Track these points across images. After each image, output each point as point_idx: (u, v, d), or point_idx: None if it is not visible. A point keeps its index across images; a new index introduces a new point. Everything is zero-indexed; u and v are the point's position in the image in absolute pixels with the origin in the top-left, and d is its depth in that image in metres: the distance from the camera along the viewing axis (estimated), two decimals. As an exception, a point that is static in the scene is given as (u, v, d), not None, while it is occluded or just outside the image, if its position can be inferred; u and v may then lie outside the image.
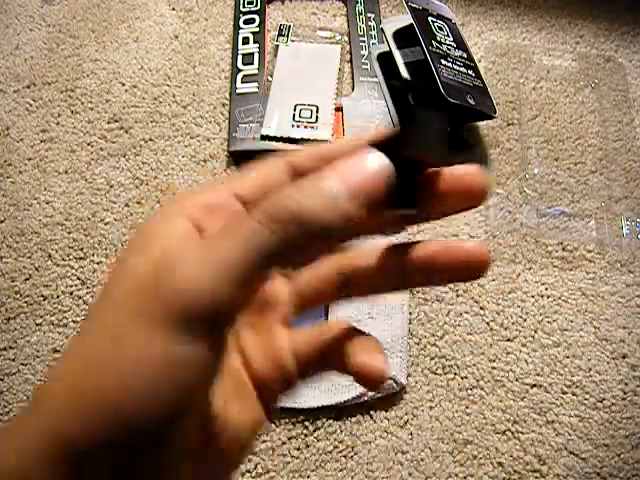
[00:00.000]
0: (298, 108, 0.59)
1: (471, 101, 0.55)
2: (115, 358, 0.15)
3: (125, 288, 0.16)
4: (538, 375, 0.50)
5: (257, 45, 0.64)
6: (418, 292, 0.53)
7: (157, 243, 0.17)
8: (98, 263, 0.54)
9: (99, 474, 0.15)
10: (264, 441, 0.47)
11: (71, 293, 0.53)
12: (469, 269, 0.19)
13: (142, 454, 0.16)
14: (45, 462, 0.15)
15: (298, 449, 0.47)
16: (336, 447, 0.48)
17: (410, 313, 0.52)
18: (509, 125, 0.61)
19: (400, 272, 0.20)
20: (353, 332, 0.20)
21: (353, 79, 0.63)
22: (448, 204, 0.19)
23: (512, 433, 0.48)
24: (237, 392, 0.20)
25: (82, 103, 0.62)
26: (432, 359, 0.50)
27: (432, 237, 0.55)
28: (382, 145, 0.17)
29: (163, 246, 0.17)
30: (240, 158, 0.58)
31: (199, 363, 0.16)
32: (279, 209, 0.15)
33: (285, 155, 0.20)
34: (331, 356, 0.20)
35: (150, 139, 0.60)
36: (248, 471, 0.47)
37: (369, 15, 0.66)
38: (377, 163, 0.16)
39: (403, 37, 0.61)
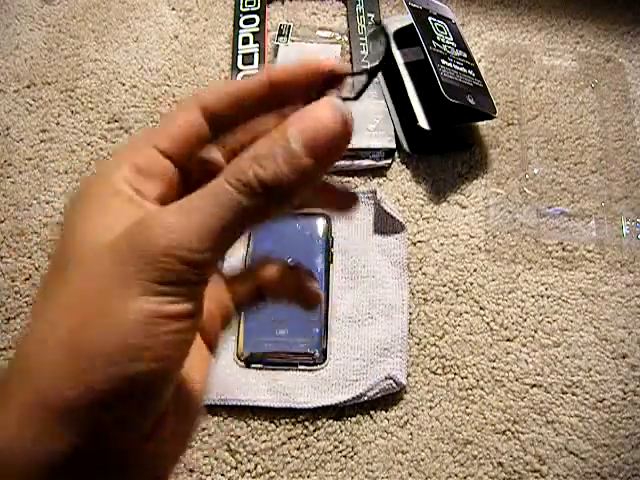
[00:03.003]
0: (298, 108, 0.59)
1: (471, 101, 0.55)
2: (106, 322, 0.16)
3: (93, 255, 0.17)
4: (538, 375, 0.50)
5: (257, 45, 0.64)
6: (418, 292, 0.53)
7: (107, 210, 0.18)
8: (98, 263, 0.54)
9: (91, 431, 0.16)
10: (264, 441, 0.47)
11: (71, 293, 0.53)
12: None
13: (135, 409, 0.16)
14: (34, 426, 0.15)
15: (298, 449, 0.47)
16: (336, 447, 0.47)
17: (410, 313, 0.52)
18: (509, 125, 0.61)
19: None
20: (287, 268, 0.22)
21: (353, 79, 0.63)
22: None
23: (512, 433, 0.48)
24: None
25: (82, 103, 0.62)
26: (432, 359, 0.50)
27: (431, 237, 0.55)
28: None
29: (117, 213, 0.18)
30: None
31: (183, 316, 0.16)
32: (247, 174, 0.16)
33: (193, 98, 0.20)
34: (269, 287, 0.22)
35: (150, 139, 0.60)
36: (248, 471, 0.47)
37: (369, 15, 0.66)
38: (332, 113, 0.17)
39: (403, 37, 0.61)
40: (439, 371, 0.50)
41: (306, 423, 0.48)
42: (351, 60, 0.64)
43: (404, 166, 0.59)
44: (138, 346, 0.16)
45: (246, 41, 0.64)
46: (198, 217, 0.16)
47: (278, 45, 0.64)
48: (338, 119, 0.17)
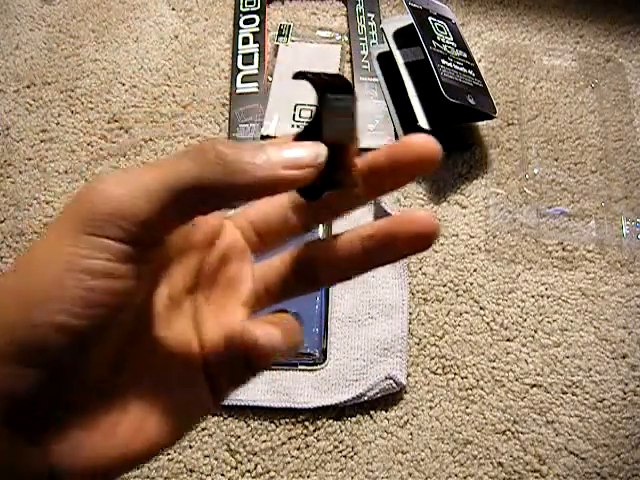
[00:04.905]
0: (298, 108, 0.59)
1: (471, 101, 0.55)
2: (29, 265, 0.17)
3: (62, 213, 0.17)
4: (538, 375, 0.50)
5: (257, 45, 0.64)
6: (418, 292, 0.53)
7: None
8: (98, 263, 0.54)
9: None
10: (264, 441, 0.47)
11: (71, 293, 0.53)
12: (419, 240, 0.20)
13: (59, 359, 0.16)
14: None
15: (298, 449, 0.47)
16: (336, 447, 0.48)
17: (410, 313, 0.52)
18: (509, 125, 0.61)
19: (359, 255, 0.21)
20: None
21: (353, 79, 0.63)
22: (389, 178, 0.21)
23: (512, 433, 0.48)
24: (181, 358, 0.20)
25: (82, 103, 0.62)
26: (432, 359, 0.50)
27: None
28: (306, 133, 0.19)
29: None
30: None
31: (110, 273, 0.16)
32: (215, 152, 0.17)
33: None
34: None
35: (150, 139, 0.60)
36: (248, 471, 0.47)
37: (369, 15, 0.66)
38: (312, 147, 0.19)
39: (403, 37, 0.61)
40: (439, 371, 0.50)
41: (306, 423, 0.48)
42: (351, 60, 0.64)
43: (404, 166, 0.59)
44: (53, 296, 0.16)
45: (246, 41, 0.64)
46: (142, 176, 0.17)
47: (278, 45, 0.64)
48: (315, 160, 0.18)
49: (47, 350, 0.16)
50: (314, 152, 0.18)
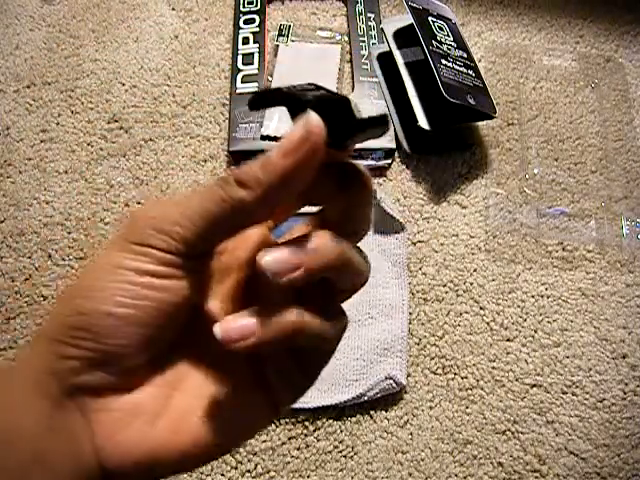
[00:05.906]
0: (298, 108, 0.59)
1: (471, 101, 0.55)
2: (87, 273, 0.20)
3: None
4: (538, 375, 0.50)
5: (257, 45, 0.64)
6: (418, 292, 0.53)
7: None
8: (98, 263, 0.54)
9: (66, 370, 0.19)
10: (264, 441, 0.47)
11: (71, 293, 0.53)
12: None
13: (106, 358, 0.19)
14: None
15: (298, 449, 0.47)
16: (336, 447, 0.47)
17: (410, 313, 0.52)
18: (509, 125, 0.61)
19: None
20: None
21: (353, 79, 0.63)
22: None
23: (512, 433, 0.48)
24: (236, 362, 0.22)
25: (82, 103, 0.62)
26: (432, 359, 0.50)
27: (431, 237, 0.55)
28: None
29: None
30: (240, 158, 0.58)
31: (153, 272, 0.19)
32: (226, 174, 0.19)
33: None
34: None
35: (150, 139, 0.60)
36: (248, 471, 0.47)
37: (369, 15, 0.66)
38: (299, 124, 0.19)
39: (403, 37, 0.61)
40: (439, 371, 0.50)
41: (306, 423, 0.48)
42: (351, 60, 0.64)
43: (404, 166, 0.59)
44: (98, 288, 0.19)
45: (246, 41, 0.64)
46: (186, 205, 0.19)
47: (278, 45, 0.64)
48: (306, 133, 0.19)
49: (92, 333, 0.18)
50: (301, 128, 0.18)
